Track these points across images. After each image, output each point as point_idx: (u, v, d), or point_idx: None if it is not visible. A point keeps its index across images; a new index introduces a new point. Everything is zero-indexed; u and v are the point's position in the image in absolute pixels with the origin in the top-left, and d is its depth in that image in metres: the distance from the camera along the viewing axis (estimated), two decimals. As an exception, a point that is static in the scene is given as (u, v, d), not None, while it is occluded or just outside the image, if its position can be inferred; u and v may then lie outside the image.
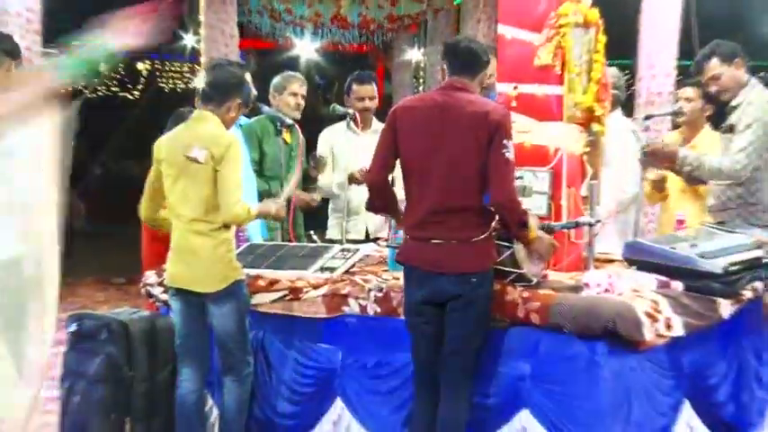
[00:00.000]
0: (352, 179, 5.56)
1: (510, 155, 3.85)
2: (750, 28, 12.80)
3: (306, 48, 15.18)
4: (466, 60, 4.04)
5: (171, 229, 4.46)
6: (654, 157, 5.06)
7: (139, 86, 19.78)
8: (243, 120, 5.61)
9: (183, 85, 19.28)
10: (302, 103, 5.85)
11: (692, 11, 8.24)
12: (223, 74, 4.45)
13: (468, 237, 3.89)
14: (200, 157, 4.23)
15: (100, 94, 18.73)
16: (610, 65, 4.89)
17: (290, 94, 5.82)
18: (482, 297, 3.92)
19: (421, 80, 15.03)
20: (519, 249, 4.03)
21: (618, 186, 5.21)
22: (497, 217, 3.96)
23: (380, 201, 4.21)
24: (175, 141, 4.37)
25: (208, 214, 4.26)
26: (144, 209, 4.57)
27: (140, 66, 19.73)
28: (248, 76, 4.63)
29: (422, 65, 14.87)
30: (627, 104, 6.10)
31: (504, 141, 3.84)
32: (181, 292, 4.38)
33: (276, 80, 5.89)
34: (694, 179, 5.18)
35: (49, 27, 7.14)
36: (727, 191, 5.02)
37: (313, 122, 6.87)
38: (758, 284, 4.41)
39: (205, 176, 4.24)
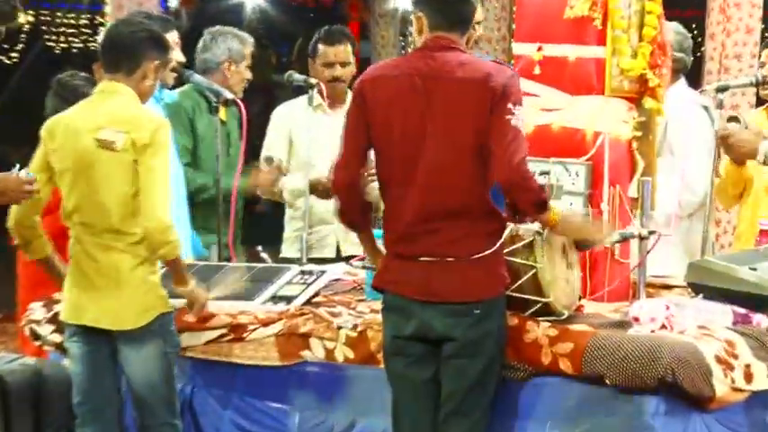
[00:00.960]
0: (315, 189, 5.60)
1: (517, 121, 3.88)
2: None
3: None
4: (454, 8, 4.06)
5: (43, 251, 4.50)
6: (728, 150, 5.13)
7: (19, 46, 19.72)
8: (167, 95, 5.62)
9: (80, 45, 19.23)
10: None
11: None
12: (129, 28, 4.47)
13: (469, 251, 3.92)
14: (118, 141, 4.25)
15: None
16: (670, 19, 4.95)
17: (248, 66, 5.89)
18: (490, 336, 3.96)
19: (410, 38, 15.04)
20: (544, 269, 4.08)
21: (685, 184, 5.26)
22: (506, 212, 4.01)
23: (353, 208, 4.19)
24: (76, 123, 4.37)
25: (125, 223, 4.28)
26: (13, 213, 4.51)
27: (21, 18, 19.68)
28: (175, 36, 4.66)
29: (411, 17, 14.87)
30: (692, 72, 6.15)
31: (509, 106, 3.87)
32: (82, 331, 4.39)
33: (234, 45, 5.91)
34: None
35: None
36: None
37: (263, 97, 6.89)
38: None
39: (122, 170, 4.26)
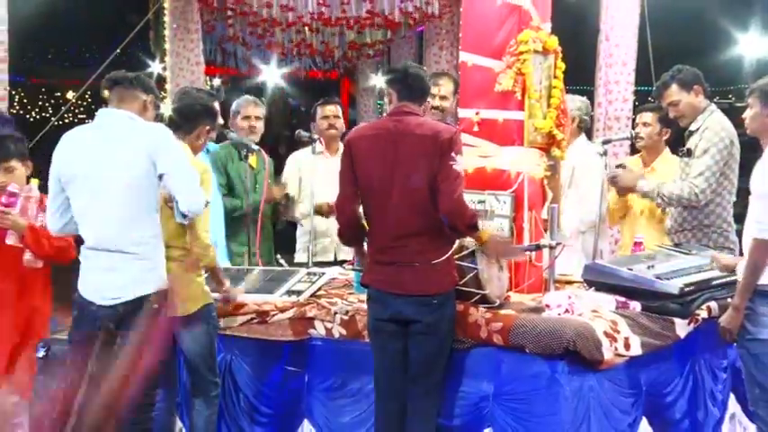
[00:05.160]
0: (319, 211, 5.61)
1: (458, 167, 3.88)
2: (707, 54, 13.13)
3: (272, 74, 15.19)
4: (417, 86, 4.08)
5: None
6: (615, 187, 5.18)
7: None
8: (211, 145, 5.60)
9: (149, 113, 19.09)
10: (257, 125, 5.83)
11: (649, 40, 8.38)
12: (190, 100, 4.44)
13: (428, 259, 3.92)
14: None
15: (66, 121, 18.49)
16: (569, 91, 4.96)
17: (243, 117, 5.82)
18: (444, 318, 3.95)
19: (384, 106, 15.00)
20: (483, 270, 4.07)
21: (584, 208, 5.28)
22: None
23: (351, 232, 4.20)
24: None
25: (180, 239, 4.23)
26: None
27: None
28: (216, 105, 4.63)
29: (385, 91, 14.83)
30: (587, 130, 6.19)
31: (453, 154, 3.87)
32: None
33: (233, 104, 5.91)
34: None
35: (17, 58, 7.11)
36: (683, 213, 5.10)
37: (290, 144, 6.88)
38: (713, 304, 4.46)
39: None
